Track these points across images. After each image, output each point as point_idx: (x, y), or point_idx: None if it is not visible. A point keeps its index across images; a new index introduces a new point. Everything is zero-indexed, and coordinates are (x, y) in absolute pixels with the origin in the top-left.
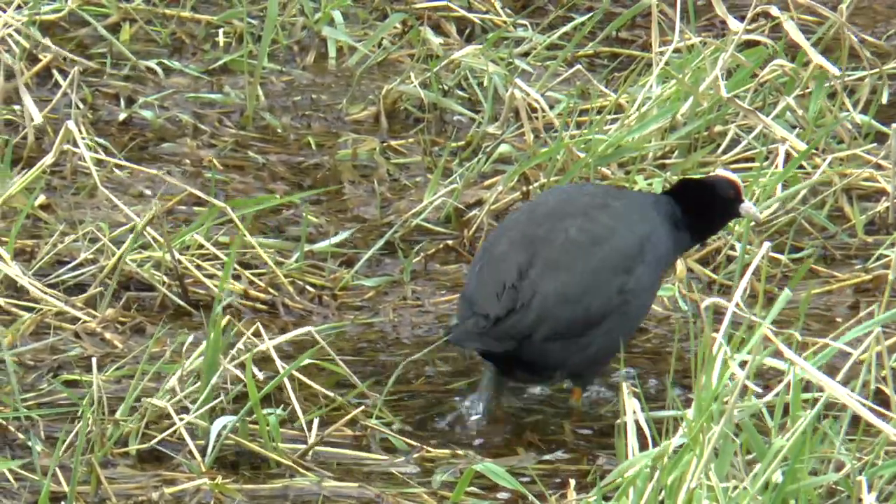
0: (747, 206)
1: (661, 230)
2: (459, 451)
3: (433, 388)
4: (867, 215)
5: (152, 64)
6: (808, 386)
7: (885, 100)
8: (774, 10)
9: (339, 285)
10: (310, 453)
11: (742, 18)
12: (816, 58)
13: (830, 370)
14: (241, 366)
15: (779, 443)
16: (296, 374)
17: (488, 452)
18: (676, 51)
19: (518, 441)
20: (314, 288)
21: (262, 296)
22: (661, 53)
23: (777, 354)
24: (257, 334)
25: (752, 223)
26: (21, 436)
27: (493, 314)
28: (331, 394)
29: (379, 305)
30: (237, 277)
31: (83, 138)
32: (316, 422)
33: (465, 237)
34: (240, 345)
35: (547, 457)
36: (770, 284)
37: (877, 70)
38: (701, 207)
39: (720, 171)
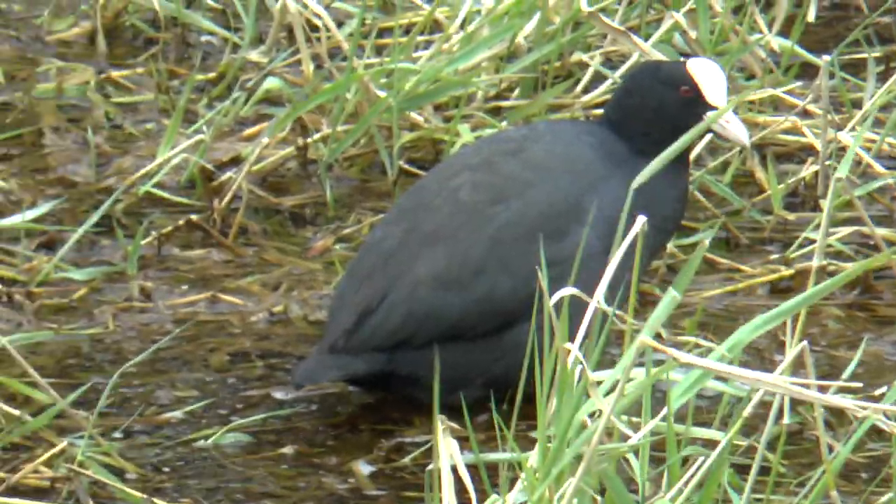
0: (727, 118)
1: (608, 172)
2: None
3: (169, 417)
4: (787, 183)
5: None
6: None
7: (812, 16)
8: None
9: (37, 278)
10: None
11: None
12: None
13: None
14: None
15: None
16: None
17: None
18: None
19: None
20: (2, 283)
21: None
22: None
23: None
24: None
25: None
26: None
27: (346, 325)
28: (15, 412)
29: (93, 308)
30: None
31: None
32: None
33: (216, 210)
34: None
35: None
36: (652, 282)
37: None
38: (639, 109)
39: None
